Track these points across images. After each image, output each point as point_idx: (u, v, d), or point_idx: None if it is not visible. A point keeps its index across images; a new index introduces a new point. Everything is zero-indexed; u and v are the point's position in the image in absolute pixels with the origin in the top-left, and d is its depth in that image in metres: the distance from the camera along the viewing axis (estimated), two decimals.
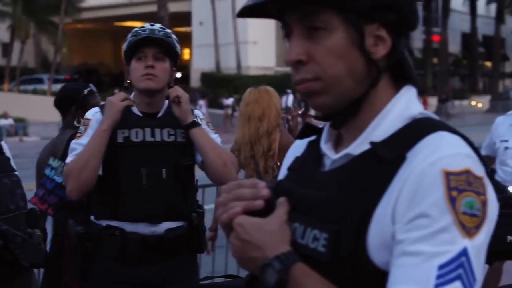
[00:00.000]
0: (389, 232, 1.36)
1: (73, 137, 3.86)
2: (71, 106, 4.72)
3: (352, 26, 1.46)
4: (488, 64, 62.90)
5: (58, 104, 4.86)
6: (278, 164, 5.20)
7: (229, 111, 37.20)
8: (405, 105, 1.49)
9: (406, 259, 1.32)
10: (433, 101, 45.98)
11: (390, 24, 1.47)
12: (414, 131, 1.43)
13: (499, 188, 5.13)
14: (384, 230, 1.37)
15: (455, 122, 34.48)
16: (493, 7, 59.81)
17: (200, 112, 3.81)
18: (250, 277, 1.53)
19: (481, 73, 60.97)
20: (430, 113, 1.51)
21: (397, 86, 1.53)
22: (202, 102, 37.96)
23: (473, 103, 52.42)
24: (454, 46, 57.92)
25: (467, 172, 1.35)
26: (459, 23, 58.65)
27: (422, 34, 53.54)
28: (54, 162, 4.48)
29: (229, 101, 37.81)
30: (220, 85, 43.49)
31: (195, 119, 3.58)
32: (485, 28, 60.06)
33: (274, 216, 1.47)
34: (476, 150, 1.43)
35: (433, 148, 1.37)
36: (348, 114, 1.50)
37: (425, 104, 44.66)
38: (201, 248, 3.72)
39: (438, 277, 1.29)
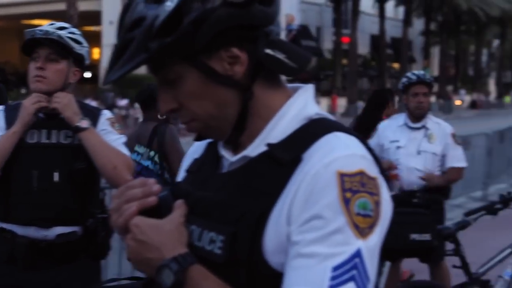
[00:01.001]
0: (284, 233, 1.36)
1: (157, 127, 5.08)
2: (155, 102, 4.89)
3: (198, 67, 1.44)
4: (396, 65, 64.22)
5: (143, 100, 5.42)
6: None
7: (123, 112, 36.05)
8: (302, 106, 1.49)
9: (300, 261, 1.32)
10: (342, 101, 46.61)
11: (237, 40, 1.44)
12: (310, 132, 1.43)
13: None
14: (280, 232, 1.36)
15: None
16: (401, 10, 61.10)
17: (108, 112, 3.73)
18: (147, 280, 1.51)
19: (389, 74, 62.14)
20: (326, 113, 1.51)
21: (282, 85, 1.51)
22: (94, 104, 36.74)
23: None
24: (363, 48, 58.88)
25: (361, 173, 1.36)
26: (368, 25, 59.66)
27: (332, 35, 54.27)
28: (140, 149, 5.20)
29: (123, 102, 36.93)
30: (130, 85, 42.95)
31: (78, 124, 3.42)
32: (393, 30, 61.29)
33: (171, 217, 1.45)
34: (371, 150, 1.44)
35: (328, 149, 1.38)
36: (237, 131, 1.49)
37: (334, 104, 45.29)
38: (98, 254, 3.64)
39: (332, 278, 1.30)
